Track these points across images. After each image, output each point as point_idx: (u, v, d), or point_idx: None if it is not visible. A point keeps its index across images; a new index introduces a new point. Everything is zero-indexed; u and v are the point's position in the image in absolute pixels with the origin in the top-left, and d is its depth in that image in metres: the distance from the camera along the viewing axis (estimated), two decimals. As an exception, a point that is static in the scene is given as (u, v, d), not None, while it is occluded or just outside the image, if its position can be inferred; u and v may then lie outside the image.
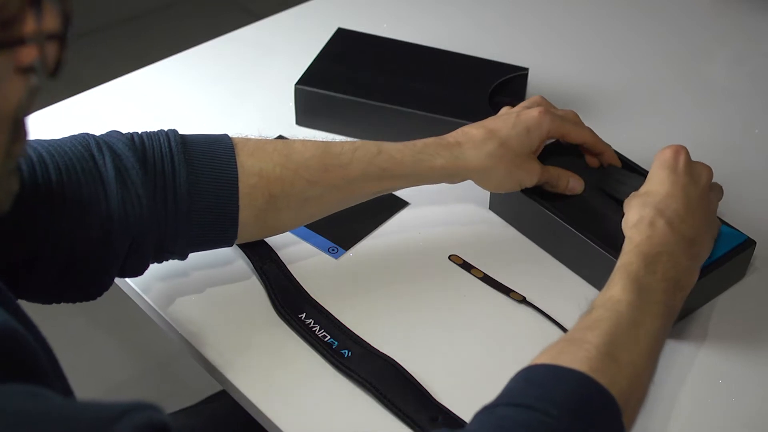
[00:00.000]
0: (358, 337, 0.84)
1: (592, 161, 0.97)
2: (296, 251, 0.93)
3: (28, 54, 0.52)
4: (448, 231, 0.95)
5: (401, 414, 0.78)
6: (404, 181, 0.89)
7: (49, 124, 1.10)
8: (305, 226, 0.93)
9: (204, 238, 0.83)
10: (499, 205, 0.98)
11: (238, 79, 1.18)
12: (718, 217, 0.91)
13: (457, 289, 0.90)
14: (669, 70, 1.22)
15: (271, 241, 0.92)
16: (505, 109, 0.94)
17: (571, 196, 0.95)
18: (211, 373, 0.84)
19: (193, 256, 0.86)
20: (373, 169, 0.86)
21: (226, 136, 0.85)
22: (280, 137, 1.07)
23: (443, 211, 0.98)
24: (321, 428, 0.78)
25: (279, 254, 0.92)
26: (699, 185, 0.84)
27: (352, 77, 1.08)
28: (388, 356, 0.82)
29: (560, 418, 0.64)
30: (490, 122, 0.90)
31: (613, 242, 0.89)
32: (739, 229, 0.90)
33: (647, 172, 0.87)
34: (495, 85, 1.08)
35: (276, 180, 0.83)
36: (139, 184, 0.77)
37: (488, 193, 0.98)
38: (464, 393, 0.81)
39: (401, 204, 0.99)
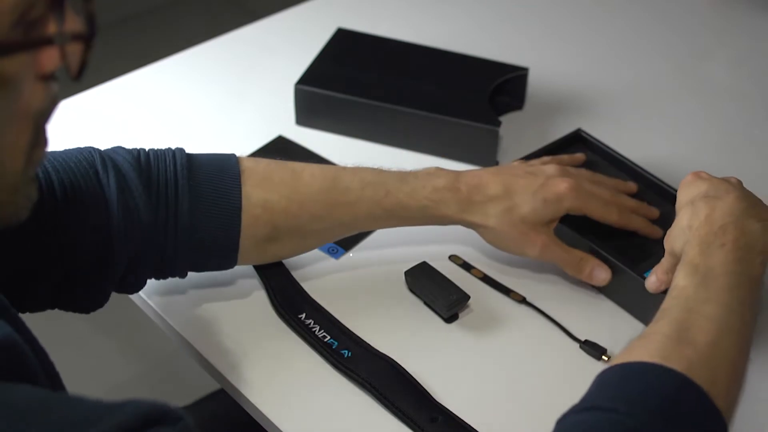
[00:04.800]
0: (358, 337, 0.84)
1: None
2: (296, 251, 0.93)
3: (50, 59, 0.53)
4: (448, 231, 0.95)
5: (401, 414, 0.78)
6: (411, 222, 0.87)
7: (49, 123, 1.10)
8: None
9: (203, 263, 0.84)
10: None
11: (238, 79, 1.18)
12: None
13: (457, 289, 0.90)
14: (669, 70, 1.22)
15: (271, 241, 0.92)
16: (540, 162, 0.91)
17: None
18: (211, 373, 0.84)
19: (192, 256, 0.85)
20: (379, 211, 0.84)
21: (233, 158, 0.83)
22: (280, 137, 1.07)
23: (443, 211, 0.98)
24: (321, 428, 0.78)
25: (279, 254, 0.92)
26: (733, 184, 0.81)
27: (352, 77, 1.08)
28: (388, 356, 0.82)
29: (630, 413, 0.61)
30: (513, 179, 0.86)
31: (613, 243, 0.89)
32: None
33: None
34: (495, 85, 1.08)
35: (281, 212, 0.82)
36: (141, 209, 0.77)
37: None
38: (464, 393, 0.81)
39: (401, 204, 0.99)
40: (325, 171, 0.85)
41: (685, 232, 0.78)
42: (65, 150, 0.79)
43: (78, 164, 0.77)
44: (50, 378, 0.58)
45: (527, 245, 0.86)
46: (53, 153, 0.78)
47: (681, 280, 0.73)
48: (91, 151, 0.79)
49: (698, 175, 0.83)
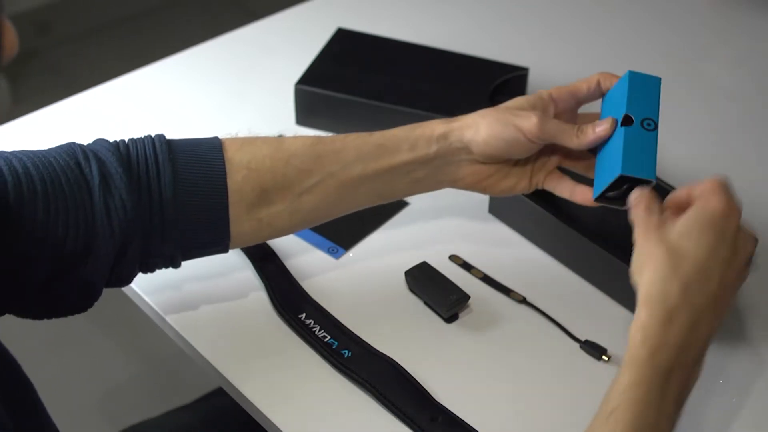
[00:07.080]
0: (358, 337, 0.84)
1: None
2: (296, 251, 0.93)
3: None
4: (448, 231, 0.95)
5: (401, 414, 0.78)
6: (402, 156, 0.82)
7: (49, 124, 1.10)
8: (305, 226, 0.92)
9: (194, 241, 0.81)
10: (498, 207, 0.98)
11: (237, 78, 1.18)
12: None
13: (457, 289, 0.90)
14: (669, 70, 1.21)
15: (271, 241, 0.92)
16: None
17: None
18: (210, 373, 0.84)
19: (192, 256, 0.85)
20: (367, 148, 0.82)
21: (215, 137, 0.82)
22: (281, 137, 1.07)
23: (443, 211, 0.98)
24: (320, 428, 0.78)
25: (279, 254, 0.92)
26: (737, 262, 0.71)
27: (352, 77, 1.08)
28: (388, 356, 0.82)
29: None
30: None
31: (614, 242, 0.89)
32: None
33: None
34: (495, 85, 1.08)
35: (266, 171, 0.80)
36: (123, 189, 0.76)
37: (488, 193, 0.98)
38: (464, 393, 0.81)
39: (401, 204, 0.99)
40: (307, 135, 0.85)
41: (650, 294, 0.70)
42: (48, 149, 0.78)
43: (59, 158, 0.76)
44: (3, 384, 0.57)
45: (522, 121, 0.81)
46: (34, 152, 0.77)
47: (626, 376, 0.67)
48: (71, 145, 0.78)
49: (727, 222, 0.72)
